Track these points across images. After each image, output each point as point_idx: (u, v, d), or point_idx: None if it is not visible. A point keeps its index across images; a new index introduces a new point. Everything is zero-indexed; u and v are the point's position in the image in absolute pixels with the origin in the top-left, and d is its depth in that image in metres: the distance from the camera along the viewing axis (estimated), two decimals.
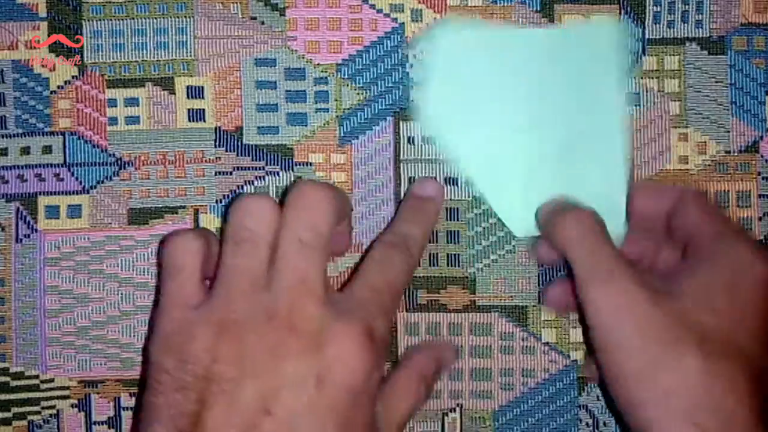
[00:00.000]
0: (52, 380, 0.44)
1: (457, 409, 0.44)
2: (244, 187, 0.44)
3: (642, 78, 0.44)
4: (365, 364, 0.34)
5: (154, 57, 0.44)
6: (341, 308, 0.35)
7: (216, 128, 0.44)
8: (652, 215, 0.41)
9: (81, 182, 0.44)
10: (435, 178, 0.44)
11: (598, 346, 0.36)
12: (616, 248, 0.37)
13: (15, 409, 0.44)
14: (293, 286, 0.35)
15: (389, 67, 0.44)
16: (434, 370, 0.41)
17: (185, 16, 0.44)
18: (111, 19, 0.44)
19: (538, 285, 0.44)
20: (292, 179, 0.44)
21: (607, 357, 0.36)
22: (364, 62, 0.44)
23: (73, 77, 0.44)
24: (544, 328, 0.44)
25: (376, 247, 0.39)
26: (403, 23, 0.44)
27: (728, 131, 0.45)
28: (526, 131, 0.43)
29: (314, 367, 0.33)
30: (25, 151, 0.44)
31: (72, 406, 0.44)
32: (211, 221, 0.44)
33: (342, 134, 0.44)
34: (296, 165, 0.44)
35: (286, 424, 0.33)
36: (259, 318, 0.34)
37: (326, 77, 0.44)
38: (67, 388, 0.44)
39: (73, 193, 0.44)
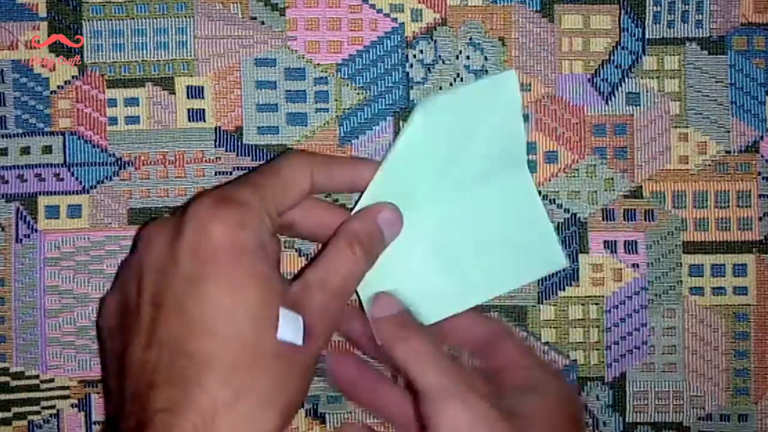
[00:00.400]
0: (52, 380, 0.44)
1: None
2: None
3: (642, 78, 0.44)
4: (221, 227, 0.34)
5: (154, 57, 0.44)
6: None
7: (216, 128, 0.44)
8: (467, 341, 0.42)
9: (81, 182, 0.44)
10: None
11: None
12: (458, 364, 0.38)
13: (15, 409, 0.44)
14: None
15: (389, 67, 0.44)
16: (371, 231, 0.39)
17: (185, 16, 0.44)
18: (111, 19, 0.44)
19: (538, 285, 0.44)
20: None
21: None
22: (364, 62, 0.44)
23: (73, 77, 0.44)
24: (543, 328, 0.44)
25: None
26: (403, 23, 0.44)
27: (728, 131, 0.45)
28: (431, 205, 0.43)
29: (179, 247, 0.34)
30: (25, 151, 0.44)
31: (72, 406, 0.44)
32: None
33: (342, 134, 0.44)
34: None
35: (174, 308, 0.34)
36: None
37: (326, 77, 0.44)
38: (67, 388, 0.44)
39: (73, 193, 0.44)
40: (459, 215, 0.43)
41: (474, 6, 0.44)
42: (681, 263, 0.44)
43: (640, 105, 0.44)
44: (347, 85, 0.44)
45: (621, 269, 0.44)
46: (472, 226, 0.43)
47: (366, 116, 0.44)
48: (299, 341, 0.35)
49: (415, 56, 0.44)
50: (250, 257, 0.35)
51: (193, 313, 0.33)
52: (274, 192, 0.37)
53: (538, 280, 0.44)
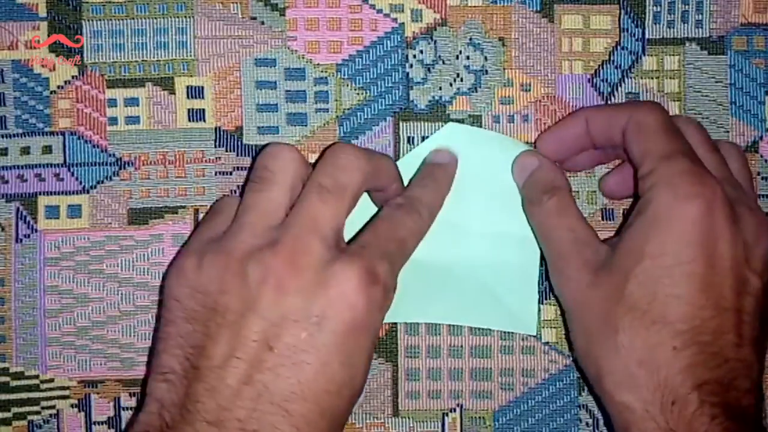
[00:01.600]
0: (52, 380, 0.44)
1: (457, 409, 0.44)
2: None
3: (642, 78, 0.44)
4: (365, 304, 0.35)
5: (154, 57, 0.44)
6: (347, 251, 0.36)
7: (216, 128, 0.44)
8: (610, 140, 0.41)
9: (81, 182, 0.44)
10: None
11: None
12: (568, 224, 0.40)
13: (15, 409, 0.44)
14: (302, 224, 0.36)
15: (389, 67, 0.44)
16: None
17: (185, 16, 0.44)
18: (111, 19, 0.44)
19: (538, 285, 0.44)
20: None
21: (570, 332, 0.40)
22: (364, 62, 0.44)
23: (73, 77, 0.44)
24: (544, 328, 0.44)
25: (384, 208, 0.40)
26: (403, 23, 0.44)
27: (728, 131, 0.45)
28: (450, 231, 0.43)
29: (316, 303, 0.34)
30: (25, 151, 0.44)
31: (72, 406, 0.44)
32: None
33: (342, 134, 0.44)
34: None
35: (287, 360, 0.34)
36: (264, 250, 0.35)
37: (326, 77, 0.44)
38: (67, 388, 0.44)
39: (73, 193, 0.44)
40: (463, 239, 0.43)
41: (474, 6, 0.44)
42: None
43: None
44: (347, 85, 0.44)
45: None
46: (470, 254, 0.43)
47: (366, 116, 0.44)
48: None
49: (415, 56, 0.44)
50: (372, 339, 0.36)
51: (305, 375, 0.34)
52: (400, 267, 0.38)
53: (538, 280, 0.44)
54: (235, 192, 0.44)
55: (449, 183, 0.43)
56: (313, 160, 0.44)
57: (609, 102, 0.44)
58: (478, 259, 0.43)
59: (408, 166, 0.43)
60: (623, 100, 0.44)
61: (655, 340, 0.35)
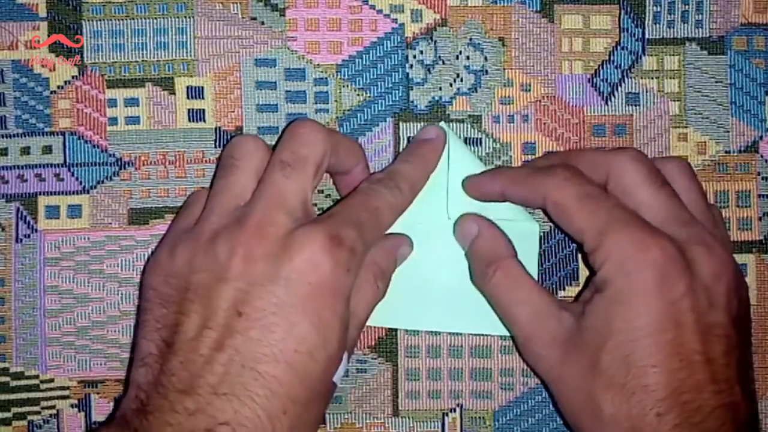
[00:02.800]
0: (52, 380, 0.44)
1: (457, 409, 0.44)
2: None
3: (642, 78, 0.44)
4: (330, 265, 0.35)
5: (154, 57, 0.44)
6: (313, 220, 0.37)
7: (216, 128, 0.44)
8: (532, 206, 0.42)
9: (81, 182, 0.44)
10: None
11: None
12: (521, 297, 0.40)
13: (15, 409, 0.44)
14: (267, 198, 0.37)
15: (389, 68, 0.44)
16: (391, 265, 0.41)
17: (185, 16, 0.44)
18: (111, 19, 0.44)
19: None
20: None
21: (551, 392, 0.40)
22: (364, 63, 0.44)
23: (73, 77, 0.44)
24: None
25: (363, 182, 0.40)
26: (403, 24, 0.44)
27: (728, 131, 0.45)
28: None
29: (282, 268, 0.35)
30: (25, 151, 0.44)
31: (72, 406, 0.44)
32: None
33: None
34: None
35: (257, 323, 0.35)
36: (231, 227, 0.36)
37: (326, 78, 0.44)
38: (67, 388, 0.44)
39: (73, 193, 0.44)
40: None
41: (474, 6, 0.44)
42: None
43: (639, 105, 0.44)
44: (347, 85, 0.44)
45: None
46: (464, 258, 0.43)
47: (366, 117, 0.44)
48: (340, 380, 0.37)
49: (415, 57, 0.44)
50: (343, 301, 0.36)
51: (275, 336, 0.35)
52: (372, 237, 0.39)
53: (538, 279, 0.44)
54: None
55: (435, 159, 0.42)
56: None
57: (608, 102, 0.44)
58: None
59: None
60: (623, 100, 0.44)
61: (638, 410, 0.36)
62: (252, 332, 0.34)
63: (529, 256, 0.43)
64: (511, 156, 0.44)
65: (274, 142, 0.44)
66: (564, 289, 0.44)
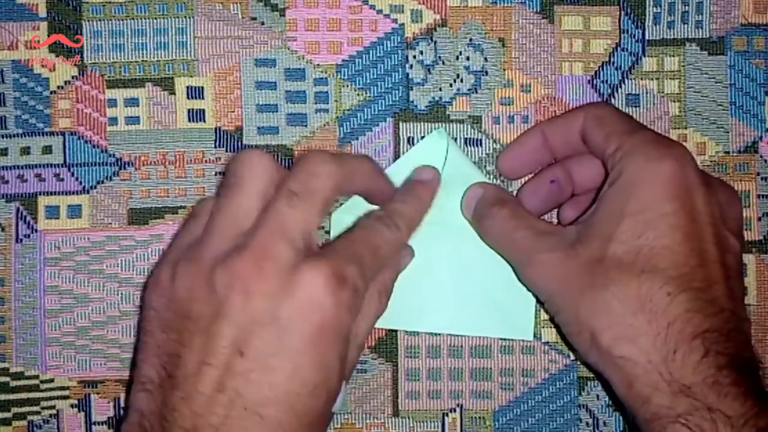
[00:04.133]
0: (52, 380, 0.44)
1: (457, 409, 0.44)
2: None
3: (642, 79, 0.44)
4: (333, 306, 0.34)
5: (154, 57, 0.44)
6: (315, 254, 0.36)
7: (216, 128, 0.44)
8: (569, 145, 0.42)
9: (81, 182, 0.44)
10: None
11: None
12: (526, 224, 0.40)
13: (15, 409, 0.44)
14: (269, 228, 0.35)
15: (389, 68, 0.44)
16: (394, 277, 0.41)
17: (185, 17, 0.44)
18: (111, 19, 0.44)
19: None
20: None
21: (554, 314, 0.39)
22: (363, 63, 0.44)
23: (73, 77, 0.44)
24: (544, 328, 0.44)
25: (362, 219, 0.40)
26: (403, 24, 0.44)
27: (727, 132, 0.45)
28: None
29: (283, 307, 0.34)
30: (25, 151, 0.44)
31: (72, 406, 0.44)
32: None
33: (342, 135, 0.44)
34: None
35: (258, 364, 0.34)
36: (231, 254, 0.35)
37: (326, 78, 0.44)
38: (67, 388, 0.44)
39: (73, 193, 0.44)
40: (459, 245, 0.43)
41: (474, 7, 0.44)
42: None
43: (639, 106, 0.44)
44: (347, 85, 0.44)
45: None
46: (467, 262, 0.43)
47: (366, 117, 0.44)
48: (338, 407, 0.37)
49: (415, 57, 0.44)
50: (344, 340, 0.36)
51: (278, 380, 0.34)
52: (372, 274, 0.38)
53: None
54: None
55: (430, 199, 0.42)
56: None
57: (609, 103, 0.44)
58: (474, 265, 0.43)
59: (397, 174, 0.43)
60: (623, 102, 0.44)
61: (648, 288, 0.35)
62: (253, 375, 0.34)
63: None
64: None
65: (274, 142, 0.44)
66: None
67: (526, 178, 0.44)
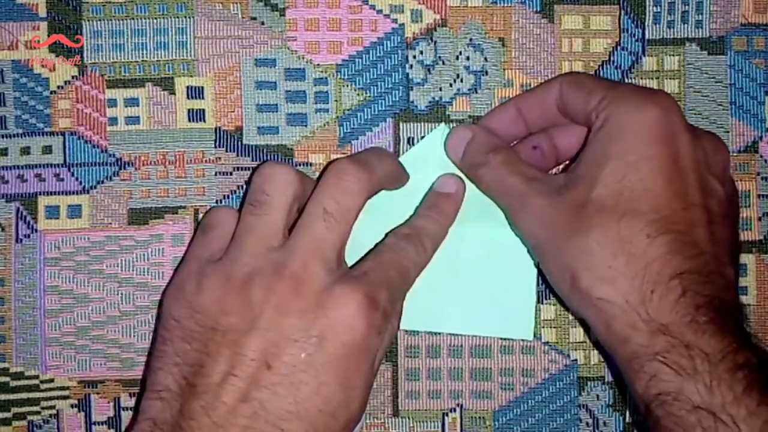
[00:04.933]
0: (52, 380, 0.44)
1: (457, 409, 0.44)
2: (245, 188, 0.44)
3: (642, 79, 0.44)
4: (364, 327, 0.35)
5: (154, 57, 0.44)
6: (348, 276, 0.36)
7: (216, 128, 0.44)
8: (545, 117, 0.42)
9: (81, 182, 0.44)
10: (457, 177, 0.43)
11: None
12: (519, 170, 0.40)
13: (15, 409, 0.44)
14: (307, 248, 0.36)
15: (389, 68, 0.44)
16: (404, 297, 0.41)
17: (185, 17, 0.44)
18: (111, 19, 0.44)
19: (538, 284, 0.44)
20: None
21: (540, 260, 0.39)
22: (364, 63, 0.44)
23: (73, 77, 0.44)
24: (543, 327, 0.44)
25: (389, 237, 0.40)
26: (403, 24, 0.44)
27: (728, 131, 0.45)
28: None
29: (316, 325, 0.35)
30: (25, 151, 0.44)
31: (72, 406, 0.44)
32: None
33: (342, 135, 0.44)
34: (296, 165, 0.44)
35: (285, 378, 0.34)
36: (267, 273, 0.35)
37: (326, 78, 0.44)
38: (67, 388, 0.44)
39: (73, 193, 0.44)
40: (459, 245, 0.43)
41: (474, 7, 0.44)
42: None
43: None
44: (347, 85, 0.44)
45: None
46: (467, 261, 0.43)
47: (366, 117, 0.44)
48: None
49: (415, 57, 0.44)
50: (371, 362, 0.36)
51: (302, 395, 0.34)
52: (400, 297, 0.39)
53: (538, 279, 0.44)
54: (235, 192, 0.44)
55: (455, 214, 0.42)
56: (313, 161, 0.44)
57: None
58: (475, 265, 0.43)
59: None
60: None
61: (628, 231, 0.35)
62: (279, 388, 0.34)
63: (528, 260, 0.43)
64: None
65: (274, 142, 0.44)
66: None
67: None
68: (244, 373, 0.34)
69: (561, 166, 0.44)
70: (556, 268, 0.38)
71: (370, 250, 0.39)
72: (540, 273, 0.43)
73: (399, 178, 0.42)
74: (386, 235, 0.40)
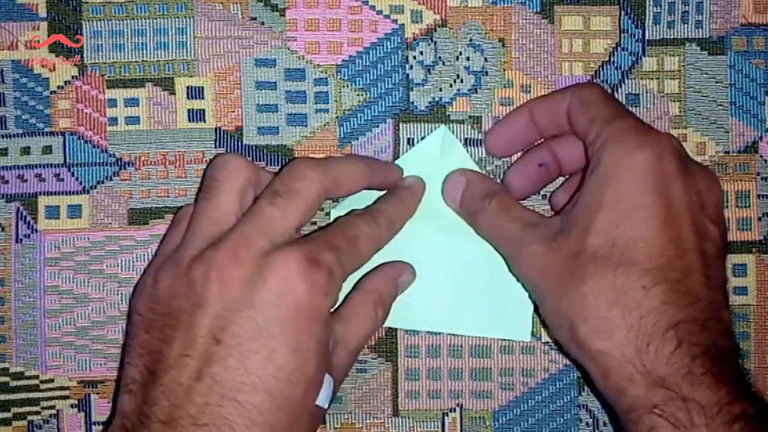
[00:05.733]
0: (52, 380, 0.44)
1: (457, 409, 0.44)
2: None
3: (642, 79, 0.44)
4: (307, 288, 0.35)
5: (154, 57, 0.44)
6: (289, 243, 0.36)
7: (216, 128, 0.44)
8: (556, 125, 0.42)
9: (81, 182, 0.44)
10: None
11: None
12: (515, 216, 0.40)
13: (15, 409, 0.44)
14: (249, 222, 0.36)
15: (389, 68, 0.44)
16: (392, 293, 0.41)
17: (185, 17, 0.44)
18: (111, 19, 0.44)
19: None
20: None
21: (539, 306, 0.39)
22: (364, 63, 0.44)
23: (73, 77, 0.44)
24: (543, 328, 0.44)
25: (343, 215, 0.40)
26: (403, 25, 0.44)
27: (727, 132, 0.45)
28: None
29: (258, 292, 0.35)
30: (25, 151, 0.44)
31: (72, 406, 0.44)
32: None
33: (342, 135, 0.44)
34: None
35: (234, 350, 0.34)
36: (208, 250, 0.36)
37: (326, 78, 0.44)
38: (67, 388, 0.44)
39: (73, 193, 0.44)
40: (457, 245, 0.43)
41: (474, 7, 0.44)
42: None
43: (639, 106, 0.44)
44: (347, 86, 0.44)
45: None
46: (465, 262, 0.43)
47: (366, 117, 0.44)
48: (327, 404, 0.37)
49: (415, 57, 0.44)
50: (321, 324, 0.36)
51: (254, 364, 0.34)
52: (351, 264, 0.38)
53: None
54: None
55: (412, 202, 0.43)
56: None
57: None
58: (473, 265, 0.43)
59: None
60: (623, 101, 0.44)
61: (623, 282, 0.35)
62: (230, 360, 0.34)
63: None
64: (510, 157, 0.44)
65: (274, 142, 0.44)
66: None
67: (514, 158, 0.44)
68: (195, 351, 0.34)
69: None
70: (554, 316, 0.38)
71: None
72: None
73: (370, 179, 0.41)
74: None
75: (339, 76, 0.44)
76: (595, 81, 0.44)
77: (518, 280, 0.41)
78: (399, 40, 0.44)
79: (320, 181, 0.38)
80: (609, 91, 0.44)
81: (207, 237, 0.37)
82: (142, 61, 0.44)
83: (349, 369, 0.40)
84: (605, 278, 0.35)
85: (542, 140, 0.43)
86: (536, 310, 0.43)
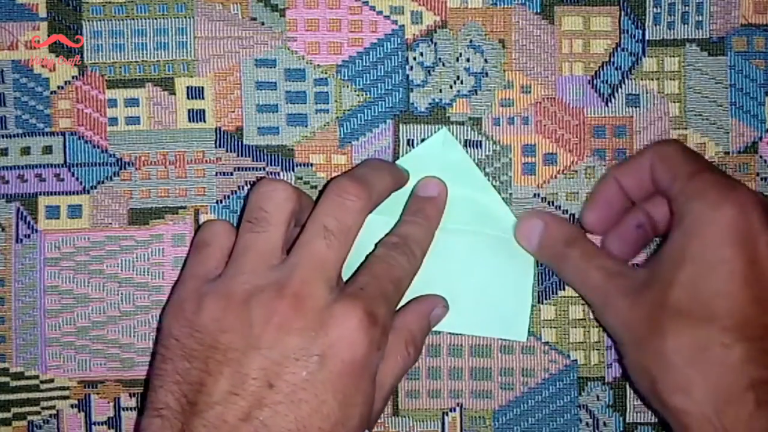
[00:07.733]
0: (52, 380, 0.44)
1: (457, 408, 0.44)
2: (245, 188, 0.44)
3: (642, 79, 0.44)
4: (365, 344, 0.35)
5: (154, 57, 0.44)
6: (346, 293, 0.37)
7: (216, 129, 0.44)
8: (644, 188, 0.42)
9: (81, 182, 0.44)
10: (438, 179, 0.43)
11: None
12: (599, 264, 0.40)
13: (15, 409, 0.44)
14: (307, 266, 0.36)
15: (389, 69, 0.44)
16: (424, 329, 0.41)
17: (185, 17, 0.44)
18: (111, 19, 0.44)
19: (538, 285, 0.44)
20: (293, 180, 0.44)
21: (623, 356, 0.40)
22: (364, 64, 0.44)
23: (73, 77, 0.44)
24: (544, 327, 0.44)
25: (379, 248, 0.40)
26: (403, 25, 0.44)
27: (727, 132, 0.45)
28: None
29: (317, 344, 0.35)
30: (26, 151, 0.44)
31: (72, 406, 0.44)
32: None
33: (342, 135, 0.44)
34: (297, 165, 0.44)
35: (287, 397, 0.34)
36: (268, 291, 0.36)
37: (326, 78, 0.44)
38: (67, 388, 0.44)
39: (74, 193, 0.44)
40: (456, 246, 0.43)
41: (474, 8, 0.44)
42: None
43: (639, 106, 0.44)
44: (347, 86, 0.44)
45: None
46: (464, 262, 0.43)
47: (366, 118, 0.44)
48: None
49: (415, 58, 0.44)
50: (370, 380, 0.36)
51: (302, 413, 0.34)
52: (395, 308, 0.39)
53: (538, 279, 0.44)
54: (235, 193, 0.44)
55: (439, 217, 0.43)
56: (314, 161, 0.44)
57: (609, 104, 0.44)
58: (473, 266, 0.43)
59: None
60: (623, 102, 0.44)
61: (703, 339, 0.35)
62: (280, 407, 0.34)
63: (525, 262, 0.43)
64: (511, 158, 0.44)
65: (274, 142, 0.44)
66: (564, 289, 0.44)
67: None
68: (245, 392, 0.34)
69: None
70: (635, 369, 0.38)
71: (362, 263, 0.39)
72: (539, 266, 0.43)
73: (396, 186, 0.42)
74: (375, 245, 0.40)
75: (339, 77, 0.44)
76: (674, 139, 0.44)
77: (601, 326, 0.42)
78: (399, 41, 0.44)
79: (367, 207, 0.38)
80: (610, 91, 0.44)
81: (258, 271, 0.37)
82: (142, 61, 0.44)
83: (380, 415, 0.40)
84: (686, 334, 0.36)
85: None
86: (619, 360, 0.43)
